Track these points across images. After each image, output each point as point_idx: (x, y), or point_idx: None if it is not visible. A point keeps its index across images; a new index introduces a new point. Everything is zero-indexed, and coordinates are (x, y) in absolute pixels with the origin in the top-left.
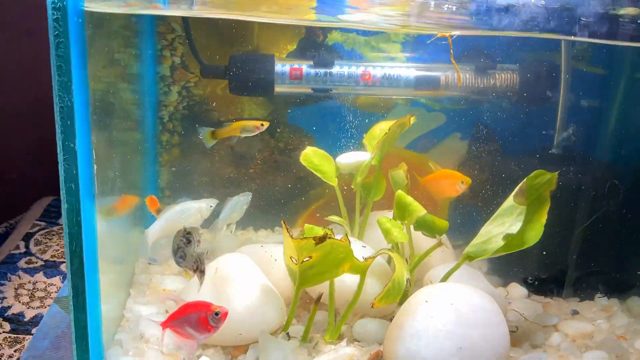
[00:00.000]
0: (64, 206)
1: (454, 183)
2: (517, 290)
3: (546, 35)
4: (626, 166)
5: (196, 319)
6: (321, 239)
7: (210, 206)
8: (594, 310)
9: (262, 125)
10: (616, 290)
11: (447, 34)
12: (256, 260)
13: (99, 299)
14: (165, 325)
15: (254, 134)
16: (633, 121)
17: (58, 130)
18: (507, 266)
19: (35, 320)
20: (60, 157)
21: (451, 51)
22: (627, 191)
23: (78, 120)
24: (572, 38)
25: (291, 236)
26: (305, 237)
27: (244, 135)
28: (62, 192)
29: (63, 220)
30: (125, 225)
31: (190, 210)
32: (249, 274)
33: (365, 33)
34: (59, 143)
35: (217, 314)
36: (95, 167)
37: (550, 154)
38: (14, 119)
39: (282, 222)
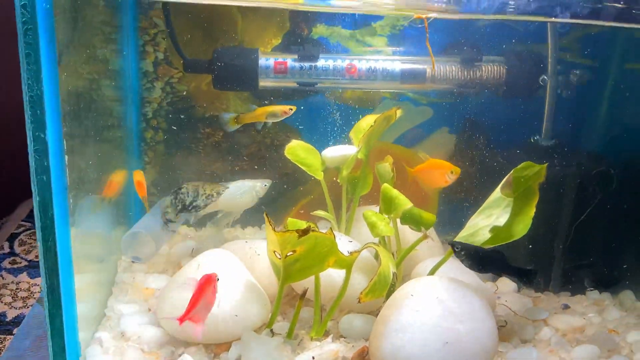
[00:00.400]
0: (35, 199)
1: (443, 173)
2: (507, 284)
3: (526, 17)
4: (616, 158)
5: (210, 294)
6: (304, 232)
7: (265, 185)
8: (585, 305)
9: (290, 110)
10: (604, 284)
11: (424, 16)
12: (240, 257)
13: (73, 295)
14: (184, 318)
15: (281, 119)
16: (623, 112)
17: (28, 121)
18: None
19: (17, 321)
20: (30, 149)
21: (427, 34)
22: (618, 183)
23: (48, 110)
24: (554, 20)
25: (274, 229)
26: (288, 230)
27: (270, 121)
28: (33, 185)
29: (35, 214)
30: (106, 223)
31: (245, 188)
32: (232, 270)
33: (350, 26)
34: (29, 134)
35: (218, 279)
36: (66, 157)
37: (538, 145)
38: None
39: (264, 214)
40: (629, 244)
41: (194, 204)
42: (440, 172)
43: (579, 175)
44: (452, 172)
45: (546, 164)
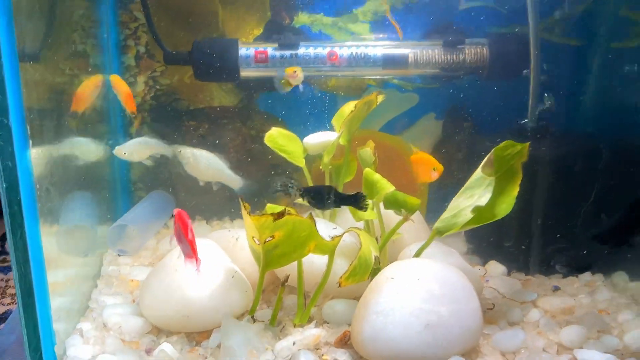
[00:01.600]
0: (2, 186)
1: (427, 169)
2: (497, 268)
3: None
4: (605, 138)
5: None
6: (280, 215)
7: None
8: (576, 286)
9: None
10: (575, 268)
11: None
12: (224, 246)
13: (45, 276)
14: (197, 259)
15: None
16: (607, 93)
17: None
18: (487, 247)
19: (5, 316)
20: None
21: (387, 7)
22: (606, 164)
23: (10, 96)
24: None
25: (249, 213)
26: (264, 214)
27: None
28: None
29: (2, 200)
30: (90, 218)
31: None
32: (213, 258)
33: (332, 14)
34: None
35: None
36: (30, 142)
37: (524, 127)
38: None
39: (239, 199)
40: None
41: None
42: (424, 167)
43: (565, 156)
44: (434, 169)
45: (528, 143)
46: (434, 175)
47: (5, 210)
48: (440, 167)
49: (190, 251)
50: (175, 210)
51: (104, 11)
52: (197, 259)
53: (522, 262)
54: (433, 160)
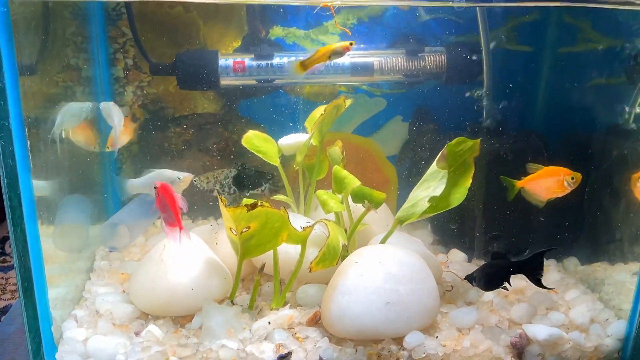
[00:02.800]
0: (3, 181)
1: (561, 180)
2: (458, 255)
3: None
4: (552, 135)
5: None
6: (252, 206)
7: (180, 178)
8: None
9: (351, 45)
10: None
11: (330, 4)
12: (206, 239)
13: (42, 261)
14: (181, 227)
15: (344, 55)
16: (556, 94)
17: None
18: (450, 237)
19: (5, 310)
20: None
21: (334, 17)
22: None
23: (10, 100)
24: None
25: (225, 205)
26: (239, 206)
27: (333, 59)
28: (1, 168)
29: (4, 193)
30: (83, 217)
31: (163, 178)
32: (195, 248)
33: (304, 27)
34: None
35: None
36: (28, 142)
37: (480, 127)
38: None
39: (215, 192)
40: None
41: None
42: (556, 179)
43: (510, 151)
44: (572, 179)
45: (479, 139)
46: (569, 187)
47: (6, 204)
48: (579, 176)
49: (174, 219)
50: (158, 183)
51: (94, 27)
52: (180, 227)
53: (479, 249)
54: (567, 170)
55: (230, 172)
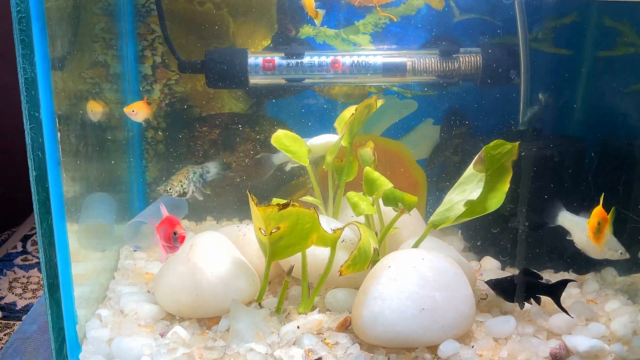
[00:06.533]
0: (32, 174)
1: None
2: (491, 262)
3: None
4: (591, 141)
5: (164, 232)
6: (284, 206)
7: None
8: None
9: None
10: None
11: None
12: (233, 240)
13: (68, 256)
14: (156, 227)
15: None
16: (595, 98)
17: (23, 101)
18: (482, 244)
19: (27, 309)
20: (26, 126)
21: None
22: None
23: (42, 90)
24: None
25: (256, 204)
26: (270, 205)
27: None
28: (30, 161)
29: (32, 188)
30: (107, 215)
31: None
32: (223, 249)
33: (335, 26)
34: (25, 113)
35: (175, 233)
36: (59, 134)
37: (515, 131)
38: (18, 137)
39: (247, 191)
40: None
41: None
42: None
43: (553, 156)
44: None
45: (518, 142)
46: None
47: (34, 198)
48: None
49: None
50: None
51: (123, 24)
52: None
53: (514, 258)
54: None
55: (195, 170)
